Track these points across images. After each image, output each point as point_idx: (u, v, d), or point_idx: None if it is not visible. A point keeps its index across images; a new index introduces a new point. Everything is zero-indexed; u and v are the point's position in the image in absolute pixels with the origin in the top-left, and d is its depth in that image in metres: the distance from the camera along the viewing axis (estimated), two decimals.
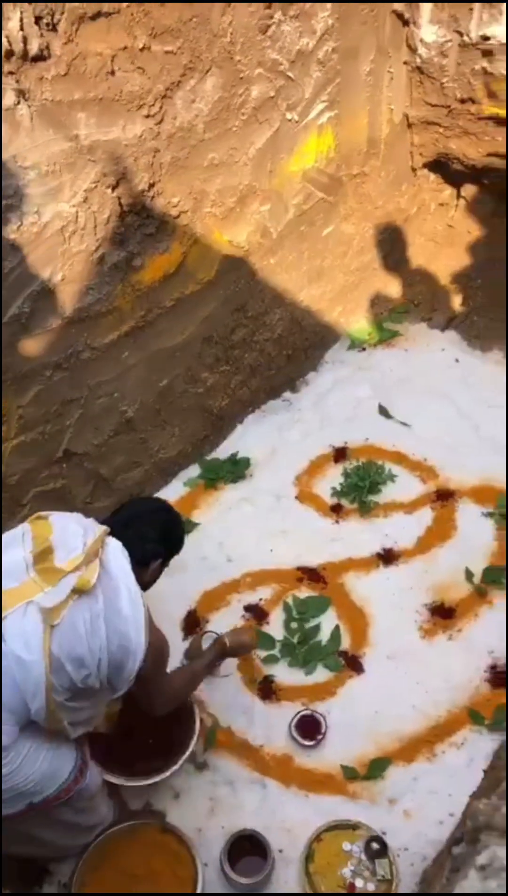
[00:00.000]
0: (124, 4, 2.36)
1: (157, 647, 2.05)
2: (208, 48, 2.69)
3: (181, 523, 2.34)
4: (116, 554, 2.02)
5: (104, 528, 2.06)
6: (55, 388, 2.78)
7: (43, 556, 1.92)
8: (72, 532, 1.99)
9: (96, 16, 2.32)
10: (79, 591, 1.87)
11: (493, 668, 2.84)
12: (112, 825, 2.41)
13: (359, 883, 2.35)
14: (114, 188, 2.61)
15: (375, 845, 2.38)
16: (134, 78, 2.51)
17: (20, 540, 1.97)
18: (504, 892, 0.82)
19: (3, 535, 2.00)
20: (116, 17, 2.38)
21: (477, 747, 2.66)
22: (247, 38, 2.80)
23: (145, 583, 2.16)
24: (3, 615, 1.85)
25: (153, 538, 2.17)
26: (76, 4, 2.25)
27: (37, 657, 1.83)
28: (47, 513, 2.07)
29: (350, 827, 2.45)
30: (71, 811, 2.18)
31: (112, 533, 2.07)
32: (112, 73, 2.44)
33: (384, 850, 2.37)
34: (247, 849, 2.47)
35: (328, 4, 3.03)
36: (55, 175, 2.42)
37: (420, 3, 3.31)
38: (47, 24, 2.22)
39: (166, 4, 2.48)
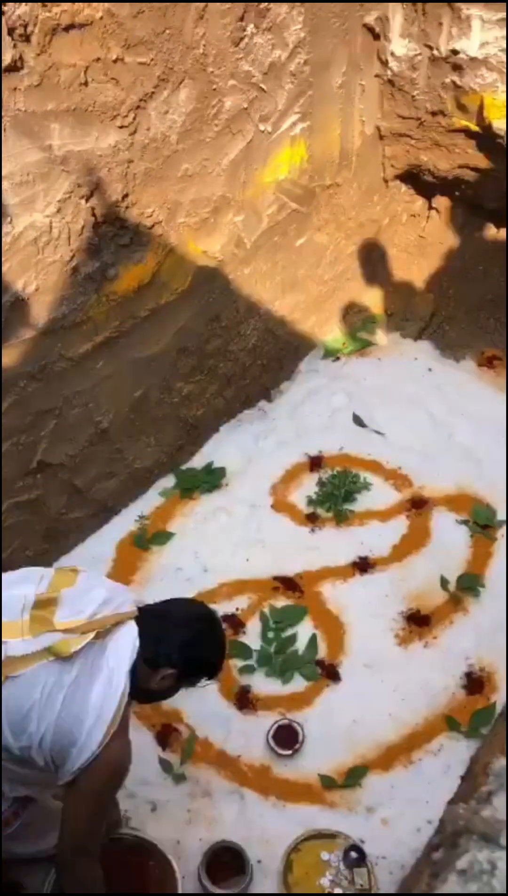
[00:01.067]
0: (98, 16, 2.37)
1: (109, 762, 1.77)
2: (182, 60, 2.70)
3: (215, 642, 1.99)
4: (125, 641, 1.82)
5: (133, 611, 1.87)
6: (29, 399, 2.76)
7: (45, 604, 1.79)
8: (91, 597, 1.82)
9: (69, 27, 2.33)
10: (53, 654, 1.73)
11: (469, 674, 2.86)
12: None
13: (338, 892, 2.35)
14: (88, 198, 2.61)
15: (353, 854, 2.38)
16: (107, 89, 2.51)
17: (35, 579, 1.86)
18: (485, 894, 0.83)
19: (23, 570, 1.91)
20: (90, 29, 2.38)
21: (454, 754, 2.67)
22: (220, 50, 2.82)
23: (150, 691, 1.91)
24: None
25: (172, 643, 1.88)
26: (49, 16, 2.25)
27: None
28: (85, 570, 1.93)
29: (328, 836, 2.45)
30: (20, 843, 2.09)
31: (141, 618, 1.88)
32: (85, 84, 2.44)
33: (362, 859, 2.37)
34: (225, 860, 2.46)
35: (300, 18, 3.06)
36: (29, 185, 2.42)
37: (391, 17, 3.35)
38: (21, 36, 2.22)
39: (140, 16, 2.49)
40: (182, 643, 1.89)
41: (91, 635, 1.76)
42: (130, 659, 1.81)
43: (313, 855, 2.42)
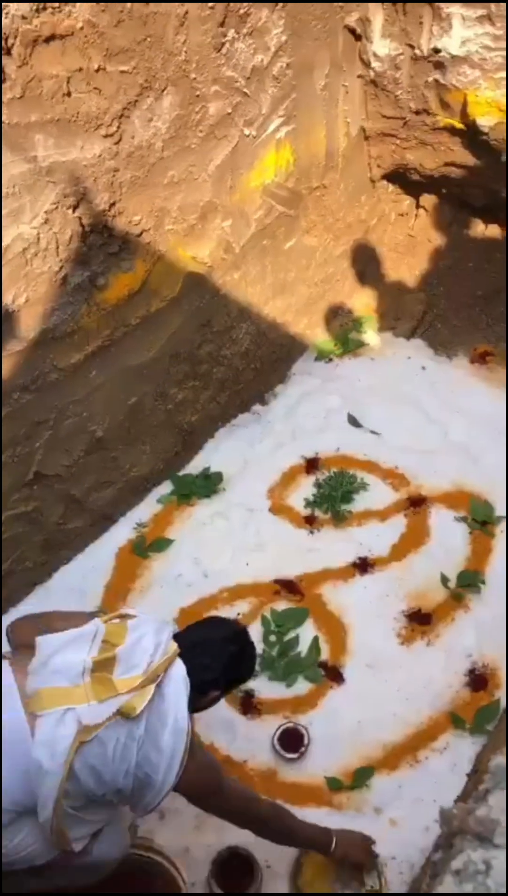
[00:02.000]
0: (78, 26, 2.37)
1: (193, 781, 1.92)
2: (164, 67, 2.70)
3: (251, 656, 2.12)
4: (178, 681, 1.91)
5: (175, 648, 1.95)
6: (23, 411, 2.76)
7: (104, 665, 1.85)
8: (143, 648, 1.89)
9: (50, 38, 2.33)
10: (123, 715, 1.80)
11: (472, 671, 2.86)
12: None
13: (349, 893, 2.35)
14: (75, 209, 2.61)
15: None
16: (90, 99, 2.52)
17: (90, 639, 1.90)
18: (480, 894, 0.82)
19: (77, 630, 1.93)
20: (71, 39, 2.38)
21: (460, 751, 2.67)
22: (202, 56, 2.82)
23: (199, 708, 2.04)
24: (41, 712, 1.80)
25: (217, 669, 2.00)
26: (29, 28, 2.25)
27: (57, 766, 1.77)
28: (129, 613, 2.01)
29: None
30: (64, 877, 2.12)
31: (181, 653, 1.97)
32: (68, 94, 2.45)
33: (373, 861, 2.36)
34: (234, 866, 2.45)
35: (281, 21, 3.06)
36: (15, 197, 2.42)
37: (372, 17, 3.36)
38: (1, 48, 2.22)
39: (120, 25, 2.49)
40: (225, 667, 2.01)
41: (151, 690, 1.84)
42: (186, 696, 1.91)
43: (322, 857, 2.42)
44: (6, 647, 2.07)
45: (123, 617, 1.99)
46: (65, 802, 1.80)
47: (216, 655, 2.01)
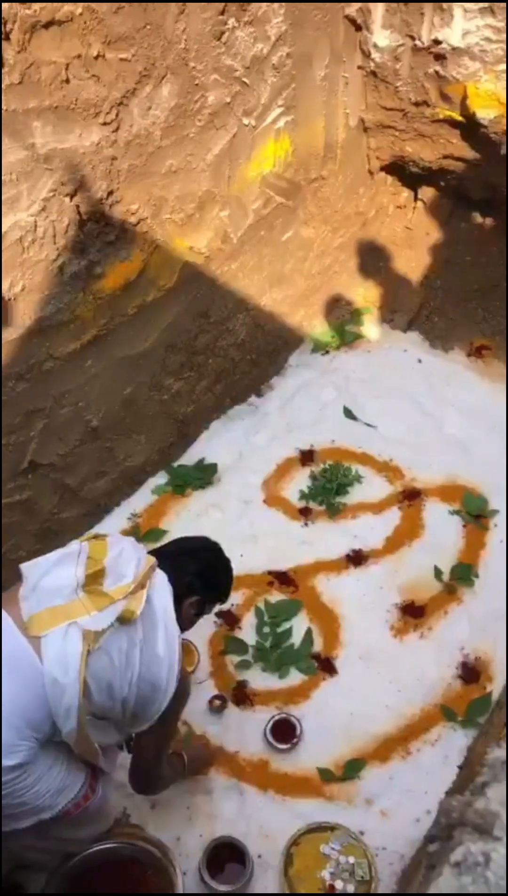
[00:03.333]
0: (78, 12, 2.35)
1: (182, 691, 2.02)
2: (163, 55, 2.68)
3: (226, 565, 2.25)
4: (162, 589, 1.99)
5: (152, 558, 2.03)
6: (18, 400, 2.75)
7: (94, 577, 1.90)
8: (126, 559, 1.96)
9: (49, 24, 2.31)
10: (123, 621, 1.85)
11: (464, 664, 2.87)
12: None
13: (339, 885, 2.36)
14: (72, 196, 2.60)
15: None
16: (89, 86, 2.50)
17: (75, 558, 1.95)
18: (478, 888, 0.82)
19: (59, 551, 1.99)
20: (69, 26, 2.36)
21: (451, 744, 2.68)
22: (201, 45, 2.80)
23: (181, 621, 2.09)
24: (43, 633, 1.83)
25: (191, 572, 2.10)
26: (28, 13, 2.23)
27: (72, 680, 1.80)
28: (105, 533, 2.08)
29: (328, 829, 2.46)
30: (69, 827, 2.13)
31: (158, 564, 2.05)
32: (67, 81, 2.43)
33: (361, 850, 2.37)
34: (226, 856, 2.46)
35: (281, 11, 3.05)
36: (12, 184, 2.40)
37: (373, 8, 3.34)
38: (0, 35, 2.21)
39: (120, 12, 2.47)
40: (198, 571, 2.12)
41: (144, 594, 1.91)
42: (171, 601, 1.99)
43: (312, 848, 2.43)
44: None
45: (98, 537, 2.04)
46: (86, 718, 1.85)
47: (190, 562, 2.12)
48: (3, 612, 1.88)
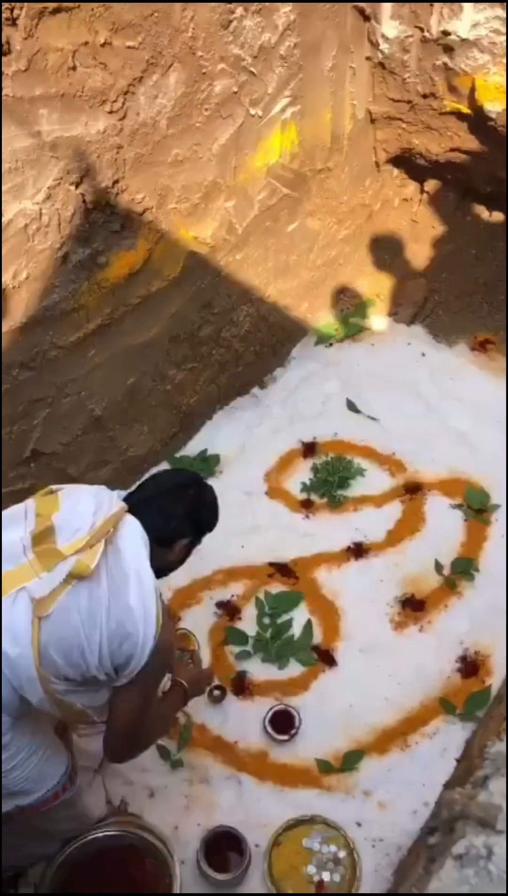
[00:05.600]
0: None
1: (164, 645, 1.84)
2: (170, 43, 2.67)
3: (213, 499, 2.08)
4: (133, 536, 1.84)
5: (122, 505, 1.88)
6: (21, 388, 2.75)
7: (43, 536, 1.77)
8: (81, 512, 1.82)
9: (56, 11, 2.30)
10: (76, 577, 1.72)
11: (464, 658, 2.88)
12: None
13: (326, 877, 2.37)
14: (77, 185, 2.59)
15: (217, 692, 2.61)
16: (96, 73, 2.49)
17: (22, 517, 1.83)
18: (481, 880, 0.83)
19: (5, 512, 1.87)
20: (77, 13, 2.35)
21: (450, 737, 2.69)
22: (209, 34, 2.79)
23: (171, 563, 2.01)
24: None
25: (178, 515, 1.95)
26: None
27: (24, 650, 1.71)
28: (60, 486, 1.92)
29: (306, 822, 2.47)
30: (51, 821, 2.15)
31: (134, 510, 1.89)
32: (73, 68, 2.42)
33: (343, 840, 2.40)
34: (224, 845, 2.47)
35: None
36: (18, 172, 2.39)
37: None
38: (6, 20, 2.19)
39: None
40: (186, 513, 1.97)
41: (101, 545, 1.76)
42: (146, 550, 1.84)
43: (295, 844, 2.44)
44: None
45: (51, 491, 1.92)
46: (54, 688, 1.77)
47: (175, 502, 1.96)
48: None
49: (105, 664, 1.79)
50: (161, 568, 1.94)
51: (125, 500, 1.94)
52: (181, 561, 2.06)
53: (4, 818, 1.97)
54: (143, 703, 1.91)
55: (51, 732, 2.07)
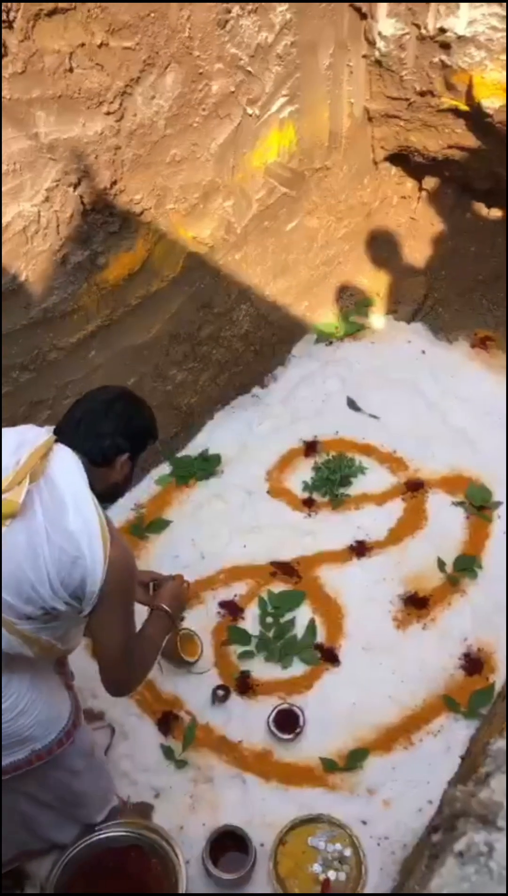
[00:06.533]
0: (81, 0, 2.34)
1: (119, 562, 1.80)
2: (167, 44, 2.67)
3: (143, 409, 2.02)
4: (64, 462, 1.81)
5: (49, 437, 1.84)
6: (22, 390, 2.75)
7: None
8: (5, 452, 1.77)
9: (52, 13, 2.30)
10: (8, 517, 1.69)
11: (467, 655, 2.88)
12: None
13: (332, 876, 2.37)
14: (76, 186, 2.59)
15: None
16: (93, 75, 2.49)
17: None
18: (482, 877, 0.83)
19: None
20: (73, 14, 2.35)
21: (454, 734, 2.68)
22: (206, 33, 2.79)
23: (115, 483, 1.96)
24: None
25: (110, 432, 1.89)
26: (32, 2, 2.22)
27: None
28: None
29: (312, 821, 2.47)
30: (67, 773, 2.15)
31: (64, 437, 1.86)
32: (70, 70, 2.42)
33: (347, 838, 2.39)
34: (229, 845, 2.47)
35: None
36: (16, 174, 2.40)
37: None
38: (2, 22, 2.20)
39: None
40: (117, 427, 1.90)
41: (27, 480, 1.72)
42: (82, 475, 1.81)
43: (300, 843, 2.44)
44: None
45: None
46: (18, 628, 1.77)
47: (103, 419, 1.90)
48: None
49: (60, 594, 1.77)
50: (108, 489, 1.93)
51: (55, 431, 1.91)
52: (128, 478, 2.01)
53: (24, 769, 1.98)
54: (121, 626, 1.91)
55: (51, 673, 2.08)
